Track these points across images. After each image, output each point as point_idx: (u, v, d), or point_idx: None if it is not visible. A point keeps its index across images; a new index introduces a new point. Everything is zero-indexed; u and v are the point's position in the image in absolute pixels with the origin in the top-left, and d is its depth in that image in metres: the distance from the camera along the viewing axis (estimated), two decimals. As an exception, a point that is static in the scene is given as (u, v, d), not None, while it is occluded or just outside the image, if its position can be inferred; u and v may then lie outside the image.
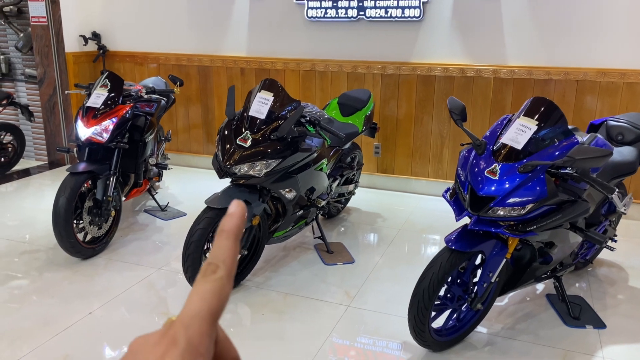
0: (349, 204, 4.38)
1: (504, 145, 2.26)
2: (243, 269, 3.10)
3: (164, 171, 4.38)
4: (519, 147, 2.20)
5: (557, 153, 2.23)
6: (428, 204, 4.49)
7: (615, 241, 3.16)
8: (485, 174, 2.21)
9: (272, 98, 2.82)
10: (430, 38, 4.42)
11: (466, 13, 4.28)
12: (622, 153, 2.81)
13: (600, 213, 2.87)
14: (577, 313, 2.78)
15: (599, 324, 2.72)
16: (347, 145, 3.73)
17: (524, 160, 2.21)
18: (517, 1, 4.12)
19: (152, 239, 3.74)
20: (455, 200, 2.34)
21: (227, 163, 2.75)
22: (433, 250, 3.64)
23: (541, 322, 2.77)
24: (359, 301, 2.95)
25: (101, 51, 5.36)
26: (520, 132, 2.22)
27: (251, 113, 2.81)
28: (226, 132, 2.86)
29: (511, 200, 2.16)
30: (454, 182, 2.40)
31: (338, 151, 3.58)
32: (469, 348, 2.54)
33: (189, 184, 4.95)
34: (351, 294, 3.03)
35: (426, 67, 4.45)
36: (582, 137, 2.46)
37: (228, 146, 2.80)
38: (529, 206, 2.16)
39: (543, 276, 2.71)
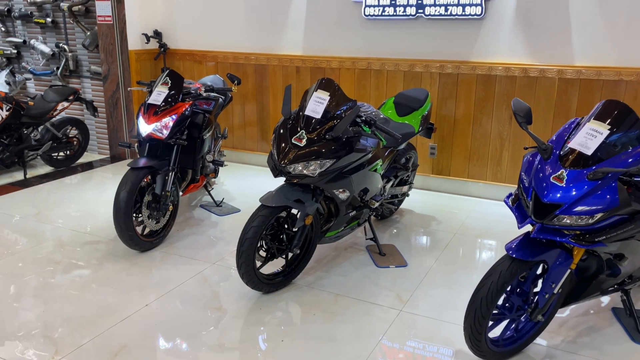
0: (402, 206, 4.31)
1: (572, 151, 2.14)
2: (295, 267, 3.10)
3: (220, 167, 4.45)
4: (589, 152, 2.08)
5: (630, 160, 2.10)
6: (485, 207, 4.36)
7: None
8: (551, 180, 2.10)
9: (329, 97, 2.80)
10: (492, 36, 4.27)
11: (530, 10, 4.11)
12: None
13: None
14: (646, 329, 2.62)
15: (671, 343, 2.55)
16: (403, 146, 3.66)
17: (594, 167, 2.09)
18: (586, -3, 3.92)
19: (207, 234, 3.81)
20: (518, 207, 2.24)
21: (282, 162, 2.75)
22: (490, 256, 3.52)
23: (606, 337, 2.62)
24: (412, 306, 2.89)
25: (162, 49, 5.51)
26: (590, 137, 2.10)
27: (307, 112, 2.80)
28: (281, 131, 2.86)
29: (579, 208, 2.04)
30: (516, 187, 2.30)
31: (393, 152, 3.52)
32: (527, 360, 2.44)
33: (243, 181, 5.01)
34: (404, 298, 2.97)
35: (487, 67, 4.31)
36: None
37: (283, 145, 2.80)
38: (598, 215, 2.04)
39: (610, 289, 2.56)
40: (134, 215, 3.39)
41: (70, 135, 5.49)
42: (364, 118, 2.88)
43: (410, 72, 4.59)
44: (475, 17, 4.24)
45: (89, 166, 5.57)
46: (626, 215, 2.08)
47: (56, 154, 5.42)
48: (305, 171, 2.74)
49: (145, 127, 3.44)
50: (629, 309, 2.68)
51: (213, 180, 4.67)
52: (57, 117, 5.34)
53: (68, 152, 5.52)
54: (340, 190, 2.91)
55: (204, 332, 2.65)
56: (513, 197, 2.31)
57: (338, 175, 2.85)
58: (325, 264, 3.37)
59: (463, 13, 4.27)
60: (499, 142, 4.42)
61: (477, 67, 4.34)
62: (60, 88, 5.35)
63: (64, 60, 5.90)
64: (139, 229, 3.45)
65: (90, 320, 2.74)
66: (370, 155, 2.99)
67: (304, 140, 2.74)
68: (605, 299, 2.96)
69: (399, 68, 4.62)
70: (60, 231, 3.85)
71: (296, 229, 2.92)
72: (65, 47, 5.89)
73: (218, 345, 2.55)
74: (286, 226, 2.99)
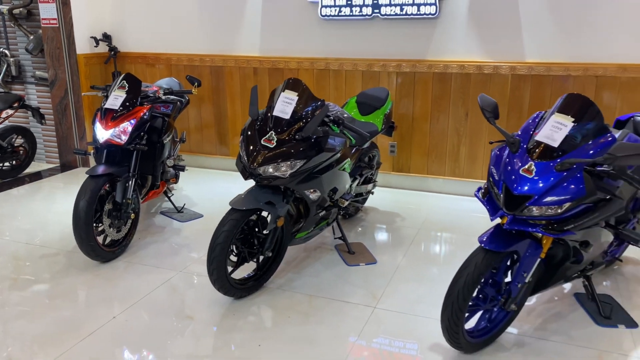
0: (366, 204, 4.34)
1: (539, 143, 2.21)
2: (266, 270, 3.06)
3: (180, 172, 4.34)
4: (555, 144, 2.16)
5: (592, 151, 2.19)
6: (446, 202, 4.45)
7: (643, 238, 3.12)
8: (521, 172, 2.17)
9: (297, 97, 2.78)
10: (446, 35, 4.38)
11: (482, 9, 4.23)
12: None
13: (628, 210, 2.83)
14: (608, 312, 2.74)
15: (631, 324, 2.68)
16: (367, 145, 3.69)
17: (558, 160, 2.17)
18: (535, -3, 4.08)
19: (170, 242, 3.70)
20: (489, 200, 2.30)
21: (252, 164, 2.71)
22: (455, 249, 3.60)
23: (572, 322, 2.73)
24: (385, 303, 2.91)
25: (112, 52, 5.32)
26: (555, 130, 2.18)
27: (275, 113, 2.77)
28: (249, 133, 2.82)
29: (548, 199, 2.12)
30: (484, 179, 2.36)
31: (358, 150, 3.54)
32: (501, 349, 2.51)
33: (203, 185, 4.92)
34: (376, 295, 2.99)
35: (442, 65, 4.40)
36: (615, 134, 2.42)
37: (252, 147, 2.76)
38: (566, 205, 2.12)
39: (573, 276, 2.67)
40: (94, 224, 3.25)
41: (15, 145, 5.22)
42: (332, 117, 2.88)
43: (368, 71, 4.63)
44: (430, 16, 4.33)
45: (38, 176, 5.31)
46: (591, 204, 2.17)
47: (1, 164, 5.14)
48: (276, 173, 2.71)
49: (102, 133, 3.31)
50: (590, 294, 2.80)
51: (173, 185, 4.55)
52: (1, 126, 5.06)
53: (14, 162, 5.24)
54: (311, 190, 2.90)
55: (177, 342, 2.58)
56: (483, 190, 2.36)
57: (309, 175, 2.84)
58: (295, 265, 3.35)
59: (418, 12, 4.35)
60: (456, 139, 4.53)
61: (433, 66, 4.43)
62: (3, 95, 5.07)
63: (5, 66, 5.60)
64: (99, 239, 3.31)
65: (55, 337, 2.61)
66: (339, 154, 2.99)
67: (274, 142, 2.71)
68: (567, 286, 3.08)
69: (357, 68, 4.65)
70: (13, 245, 3.64)
71: (267, 232, 2.88)
72: (6, 52, 5.60)
73: (192, 354, 2.48)
74: (256, 229, 2.95)
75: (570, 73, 4.09)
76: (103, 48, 5.41)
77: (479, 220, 4.05)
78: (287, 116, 2.75)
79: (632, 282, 3.13)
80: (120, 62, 5.46)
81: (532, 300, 2.92)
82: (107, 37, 5.34)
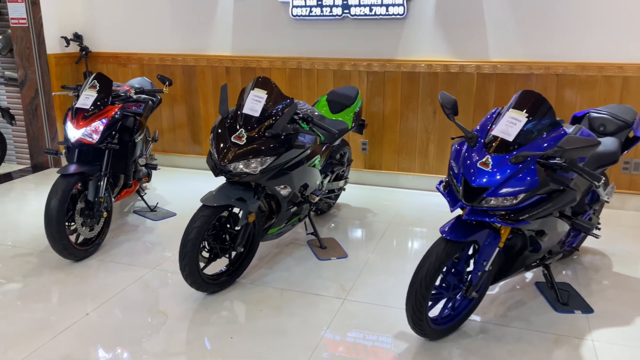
0: (339, 200, 4.43)
1: (495, 138, 2.33)
2: (239, 266, 3.12)
3: (153, 171, 4.36)
4: (510, 139, 2.27)
5: (545, 144, 2.31)
6: (416, 198, 4.57)
7: (599, 229, 3.27)
8: (478, 165, 2.28)
9: (266, 96, 2.85)
10: (414, 35, 4.49)
11: (449, 10, 4.36)
12: (604, 144, 2.92)
13: (584, 202, 2.97)
14: (565, 299, 2.88)
15: (587, 309, 2.82)
16: (337, 142, 3.77)
17: (514, 152, 2.28)
18: (498, -2, 4.22)
19: (143, 240, 3.73)
20: (449, 192, 2.41)
21: (223, 161, 2.77)
22: (424, 242, 3.71)
23: (532, 309, 2.85)
24: (355, 294, 3.00)
25: (83, 52, 5.31)
26: (510, 125, 2.29)
27: (245, 111, 2.84)
28: (220, 131, 2.88)
29: (504, 190, 2.23)
30: (446, 174, 2.46)
31: (329, 148, 3.63)
32: (464, 336, 2.61)
33: (177, 184, 4.94)
34: (346, 287, 3.08)
35: (410, 64, 4.52)
36: (568, 129, 2.55)
37: (222, 144, 2.82)
38: (521, 196, 2.23)
39: (533, 264, 2.79)
40: (67, 223, 3.27)
41: (-15, 146, 5.17)
42: (301, 115, 2.96)
43: (339, 70, 4.72)
44: (398, 16, 4.44)
45: (8, 177, 5.27)
46: (545, 195, 2.29)
47: (-30, 165, 5.09)
48: (246, 169, 2.78)
49: (74, 132, 3.33)
50: (550, 282, 2.93)
51: (145, 184, 4.57)
52: (-30, 127, 5.01)
53: (-17, 164, 5.19)
54: (282, 186, 2.97)
55: (150, 337, 2.62)
56: (444, 183, 2.47)
57: (279, 172, 2.91)
58: (268, 261, 3.41)
59: (387, 13, 4.45)
60: (425, 136, 4.65)
61: (402, 65, 4.54)
62: (-28, 95, 5.02)
63: (-27, 66, 5.53)
64: (72, 238, 3.33)
65: (27, 335, 2.63)
66: (309, 151, 3.07)
67: (244, 139, 2.78)
68: (529, 275, 3.21)
69: (329, 67, 4.74)
70: (-17, 246, 3.63)
71: (239, 228, 2.94)
72: (-25, 51, 5.53)
73: (166, 349, 2.53)
74: (228, 225, 3.00)
75: (533, 72, 4.24)
76: (74, 48, 5.39)
77: (447, 214, 4.17)
78: (257, 114, 2.82)
79: (590, 270, 3.28)
80: (92, 62, 5.45)
81: (495, 289, 3.04)
82: (78, 37, 5.33)
